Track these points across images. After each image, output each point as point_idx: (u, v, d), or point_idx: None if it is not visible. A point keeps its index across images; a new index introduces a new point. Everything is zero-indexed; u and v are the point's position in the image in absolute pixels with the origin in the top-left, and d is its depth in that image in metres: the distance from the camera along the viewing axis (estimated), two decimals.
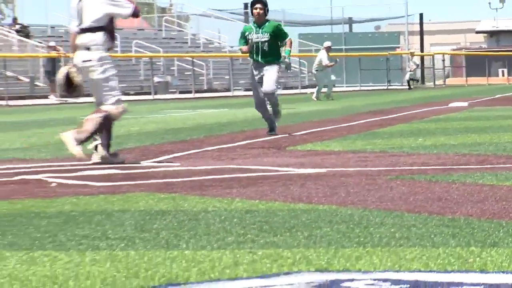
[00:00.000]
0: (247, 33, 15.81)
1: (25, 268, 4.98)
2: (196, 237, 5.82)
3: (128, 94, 46.01)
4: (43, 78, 43.16)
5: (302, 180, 8.98)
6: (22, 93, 41.46)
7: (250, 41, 15.64)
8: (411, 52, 56.63)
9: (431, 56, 68.12)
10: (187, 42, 58.26)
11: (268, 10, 15.98)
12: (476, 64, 72.11)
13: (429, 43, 72.08)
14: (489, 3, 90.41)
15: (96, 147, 11.01)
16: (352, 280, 4.56)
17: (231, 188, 8.44)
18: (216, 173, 9.83)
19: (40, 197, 8.08)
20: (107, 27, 11.01)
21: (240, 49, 16.75)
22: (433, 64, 67.87)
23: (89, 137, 10.95)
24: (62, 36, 50.73)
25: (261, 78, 15.34)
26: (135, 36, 56.39)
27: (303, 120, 20.25)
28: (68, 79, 11.10)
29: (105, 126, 11.01)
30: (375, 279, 4.56)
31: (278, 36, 15.77)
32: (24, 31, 47.87)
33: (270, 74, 15.30)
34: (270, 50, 15.55)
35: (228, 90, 48.23)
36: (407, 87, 50.93)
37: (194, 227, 6.24)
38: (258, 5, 15.56)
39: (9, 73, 40.71)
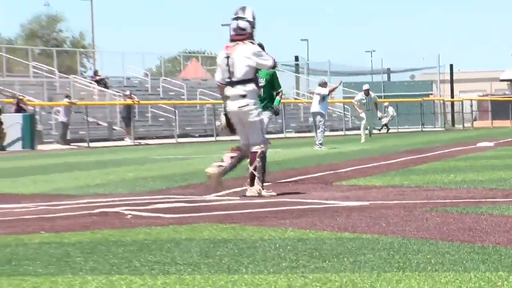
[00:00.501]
0: None
1: None
2: (254, 263, 5.80)
3: (193, 136, 46.25)
4: (120, 123, 43.42)
5: (347, 212, 8.94)
6: (101, 136, 41.73)
7: None
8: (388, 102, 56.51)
9: (461, 102, 67.87)
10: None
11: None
12: (500, 108, 71.79)
13: (459, 90, 71.81)
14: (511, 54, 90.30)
15: (251, 182, 11.32)
16: None
17: (285, 219, 8.42)
18: (271, 206, 9.81)
19: (117, 228, 8.12)
20: (254, 77, 11.38)
21: None
22: (462, 109, 67.65)
23: (254, 176, 11.35)
24: (136, 86, 51.12)
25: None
26: (200, 86, 56.60)
27: (347, 159, 20.19)
28: (228, 121, 11.48)
29: (263, 163, 11.51)
30: None
31: (272, 83, 13.48)
32: (103, 82, 48.24)
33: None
34: (265, 94, 13.20)
35: (281, 132, 48.26)
36: (386, 131, 50.86)
37: (252, 253, 6.23)
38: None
39: (90, 119, 40.98)
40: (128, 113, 41.28)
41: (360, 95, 35.93)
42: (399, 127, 57.28)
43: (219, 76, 11.67)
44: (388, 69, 75.00)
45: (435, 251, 6.11)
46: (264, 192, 11.30)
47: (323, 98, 28.72)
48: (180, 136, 43.33)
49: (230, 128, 11.67)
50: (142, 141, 40.11)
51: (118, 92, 46.72)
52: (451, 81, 66.80)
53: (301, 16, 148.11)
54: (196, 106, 52.07)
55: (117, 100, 44.68)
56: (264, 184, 11.49)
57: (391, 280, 5.07)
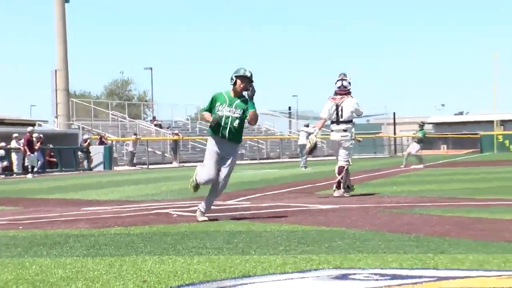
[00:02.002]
0: (218, 104, 8.38)
1: (158, 266, 4.98)
2: (260, 247, 5.77)
3: None
4: (169, 151, 43.60)
5: (324, 212, 8.89)
6: (157, 161, 41.83)
7: (217, 113, 8.33)
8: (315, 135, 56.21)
9: (401, 137, 67.89)
10: (254, 130, 58.55)
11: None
12: (428, 142, 71.77)
13: (399, 129, 71.71)
14: (435, 106, 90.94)
15: (338, 187, 11.97)
16: (355, 274, 4.48)
17: (281, 217, 8.37)
18: (271, 208, 9.77)
19: (167, 223, 8.08)
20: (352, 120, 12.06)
21: (205, 117, 8.55)
22: (401, 142, 67.61)
23: (340, 182, 12.01)
24: (180, 127, 51.24)
25: (223, 159, 8.35)
26: None
27: (324, 176, 20.15)
28: (315, 145, 12.04)
29: (347, 174, 12.12)
30: (369, 273, 4.49)
31: (245, 113, 8.42)
32: (158, 124, 48.47)
33: (232, 164, 8.44)
34: (239, 128, 8.46)
35: (279, 157, 48.31)
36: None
37: (258, 241, 6.19)
38: (246, 80, 8.28)
39: (149, 149, 41.17)
40: (175, 145, 41.66)
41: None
42: (359, 154, 57.21)
43: (324, 114, 12.10)
44: None
45: (384, 239, 6.07)
46: (346, 194, 11.89)
47: (309, 134, 28.72)
48: None
49: (314, 149, 12.19)
50: (185, 164, 40.16)
51: (168, 131, 46.93)
52: (394, 123, 66.68)
53: (293, 76, 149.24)
54: None
55: (168, 136, 44.87)
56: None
57: (353, 259, 5.03)
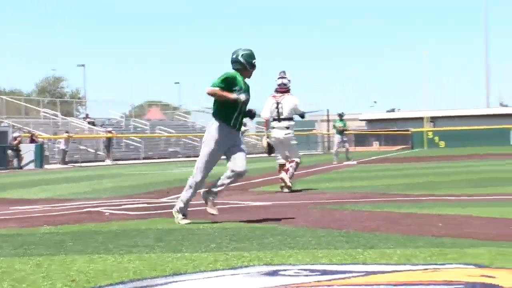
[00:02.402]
0: (237, 87, 7.14)
1: (87, 265, 4.90)
2: (192, 245, 5.75)
3: (153, 158, 45.89)
4: (103, 149, 43.09)
5: (257, 209, 8.92)
6: (89, 159, 41.25)
7: (242, 94, 7.09)
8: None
9: (334, 134, 68.66)
10: (189, 127, 58.27)
11: None
12: (361, 139, 72.95)
13: (332, 126, 72.71)
14: (367, 103, 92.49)
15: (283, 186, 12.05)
16: (285, 270, 4.50)
17: (214, 215, 8.35)
18: (204, 205, 9.71)
19: (98, 222, 7.96)
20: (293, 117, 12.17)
21: (225, 95, 7.07)
22: (334, 139, 68.32)
23: (292, 176, 12.18)
24: (114, 124, 50.64)
25: (229, 150, 7.37)
26: (159, 123, 56.46)
27: (259, 173, 20.23)
28: (269, 145, 11.48)
29: (295, 169, 12.35)
30: (299, 269, 4.52)
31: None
32: (91, 122, 47.83)
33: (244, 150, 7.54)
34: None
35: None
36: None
37: (191, 239, 6.17)
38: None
39: (82, 147, 40.63)
40: (108, 143, 41.24)
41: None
42: None
43: (265, 113, 12.23)
44: None
45: (315, 235, 6.11)
46: (288, 182, 11.92)
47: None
48: (144, 158, 43.30)
49: (270, 148, 11.58)
50: (118, 162, 39.74)
51: (102, 128, 46.36)
52: (328, 120, 67.42)
53: None
54: (155, 138, 51.86)
55: (101, 134, 44.31)
56: None
57: (284, 256, 5.05)
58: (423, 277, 4.14)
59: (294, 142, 12.32)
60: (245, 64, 7.28)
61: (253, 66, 7.32)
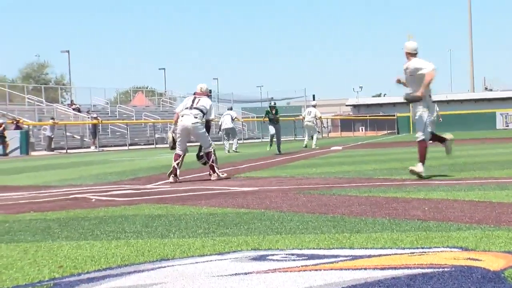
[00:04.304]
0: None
1: (75, 251, 4.90)
2: (179, 231, 5.75)
3: (139, 144, 45.80)
4: (88, 136, 42.98)
5: (243, 195, 8.92)
6: (75, 145, 41.13)
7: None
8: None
9: (320, 120, 68.88)
10: (174, 113, 58.26)
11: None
12: (346, 124, 73.10)
13: (319, 111, 72.82)
14: (353, 88, 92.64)
15: (212, 171, 12.12)
16: (273, 254, 4.52)
17: (200, 200, 8.37)
18: (191, 191, 9.74)
19: (85, 208, 7.95)
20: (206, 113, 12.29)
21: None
22: (321, 124, 68.52)
23: (206, 163, 12.31)
24: (100, 111, 50.51)
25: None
26: (144, 110, 56.36)
27: (244, 159, 20.23)
28: (173, 139, 12.18)
29: (216, 157, 12.35)
30: (287, 254, 4.53)
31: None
32: (77, 108, 47.63)
33: None
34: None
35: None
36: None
37: (178, 224, 6.17)
38: None
39: (68, 133, 40.45)
40: (94, 129, 41.14)
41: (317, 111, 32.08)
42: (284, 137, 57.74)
43: (179, 108, 12.50)
44: (272, 98, 75.53)
45: (302, 220, 6.13)
46: (221, 175, 12.08)
47: (232, 118, 28.83)
48: (130, 144, 43.18)
49: (173, 143, 12.30)
50: (104, 148, 39.64)
51: (87, 115, 46.18)
52: (314, 106, 67.67)
53: (212, 59, 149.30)
54: (141, 124, 51.72)
55: (87, 120, 44.16)
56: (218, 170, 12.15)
57: (272, 240, 5.07)
58: (410, 261, 4.17)
59: (203, 131, 12.22)
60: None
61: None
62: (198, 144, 12.35)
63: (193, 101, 12.36)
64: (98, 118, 43.05)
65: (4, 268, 4.33)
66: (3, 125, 34.59)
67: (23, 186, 12.16)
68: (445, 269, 3.88)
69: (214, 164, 12.11)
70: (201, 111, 12.22)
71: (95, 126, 41.16)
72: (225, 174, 12.36)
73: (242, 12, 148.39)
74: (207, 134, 12.28)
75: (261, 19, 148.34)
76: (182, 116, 12.20)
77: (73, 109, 47.60)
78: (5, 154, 33.63)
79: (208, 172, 12.25)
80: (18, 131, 35.16)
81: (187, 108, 12.26)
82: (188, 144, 12.34)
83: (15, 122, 36.31)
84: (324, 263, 4.16)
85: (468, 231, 5.20)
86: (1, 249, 5.10)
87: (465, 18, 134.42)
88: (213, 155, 12.20)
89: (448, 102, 76.86)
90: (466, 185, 9.13)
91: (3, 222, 6.77)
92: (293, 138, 55.04)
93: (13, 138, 34.55)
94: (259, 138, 58.98)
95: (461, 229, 5.28)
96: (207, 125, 12.40)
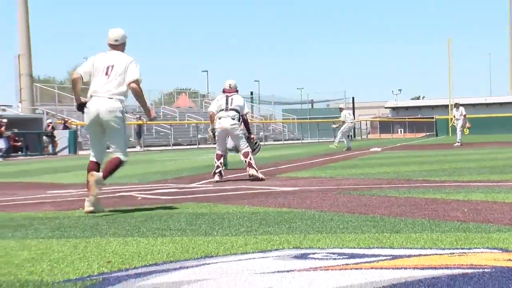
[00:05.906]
0: None
1: (122, 247, 4.95)
2: (222, 229, 5.78)
3: (183, 144, 46.11)
4: (134, 136, 43.32)
5: (285, 194, 8.93)
6: None
7: None
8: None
9: (360, 122, 68.43)
10: (209, 113, 58.51)
11: None
12: (385, 126, 72.61)
13: (358, 114, 72.21)
14: (392, 90, 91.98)
15: (249, 168, 12.03)
16: (314, 253, 4.52)
17: (243, 199, 8.40)
18: (233, 191, 9.79)
19: (131, 205, 8.04)
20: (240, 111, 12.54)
21: None
22: (360, 126, 68.19)
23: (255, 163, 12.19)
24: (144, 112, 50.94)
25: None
26: (187, 111, 56.72)
27: (286, 159, 20.23)
28: (214, 134, 12.59)
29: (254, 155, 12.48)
30: (328, 253, 4.53)
31: None
32: None
33: None
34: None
35: None
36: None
37: (221, 222, 6.20)
38: None
39: None
40: (139, 130, 41.49)
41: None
42: (319, 138, 57.56)
43: (213, 107, 12.87)
44: (312, 100, 75.46)
45: (342, 220, 6.12)
46: (258, 173, 11.97)
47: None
48: (174, 144, 43.52)
49: (214, 137, 12.64)
50: (149, 148, 40.00)
51: (132, 116, 46.64)
52: (353, 108, 67.16)
53: (254, 61, 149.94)
54: (185, 125, 52.06)
55: (132, 121, 44.62)
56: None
57: (313, 239, 5.06)
58: (450, 261, 4.13)
59: (242, 132, 12.43)
60: None
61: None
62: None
63: (227, 102, 12.43)
64: (143, 118, 43.41)
65: (56, 263, 4.41)
66: (52, 125, 35.15)
67: (72, 183, 12.35)
68: (486, 270, 3.84)
69: (252, 162, 12.03)
70: (237, 111, 12.37)
71: (140, 127, 41.53)
72: (261, 175, 12.08)
73: (283, 15, 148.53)
74: (243, 136, 12.37)
75: (302, 22, 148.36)
76: (219, 118, 12.31)
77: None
78: (54, 153, 34.20)
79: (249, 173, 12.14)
80: (67, 131, 35.69)
81: (222, 110, 12.36)
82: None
83: (63, 122, 36.86)
84: (364, 262, 4.15)
85: (508, 232, 5.13)
86: (52, 244, 5.20)
87: (505, 21, 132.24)
88: (250, 153, 12.17)
89: (487, 105, 75.78)
90: (506, 187, 9.00)
91: (53, 219, 6.89)
92: (334, 140, 54.82)
93: (61, 137, 35.10)
94: (299, 139, 58.93)
95: (501, 231, 5.22)
96: (245, 122, 12.55)
